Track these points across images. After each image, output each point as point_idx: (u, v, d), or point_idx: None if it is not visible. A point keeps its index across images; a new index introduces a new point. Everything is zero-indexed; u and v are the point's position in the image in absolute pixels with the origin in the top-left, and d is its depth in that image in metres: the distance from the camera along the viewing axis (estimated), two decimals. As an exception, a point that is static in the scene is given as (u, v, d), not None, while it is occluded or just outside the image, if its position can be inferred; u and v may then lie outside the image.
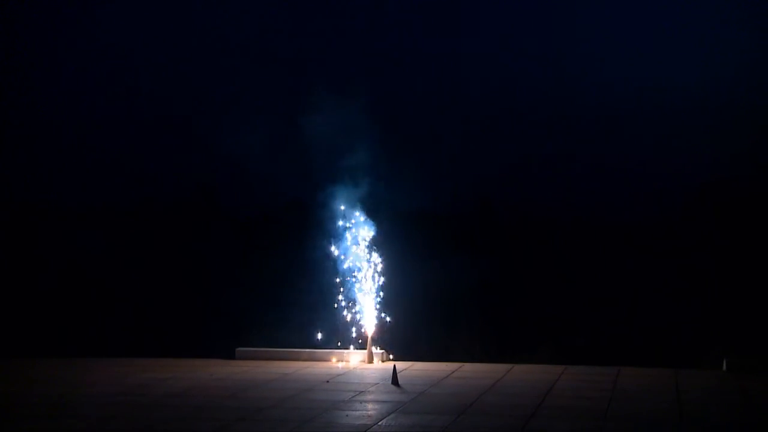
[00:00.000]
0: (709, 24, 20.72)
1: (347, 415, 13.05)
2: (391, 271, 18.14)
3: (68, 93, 21.13)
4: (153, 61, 21.07)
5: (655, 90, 20.71)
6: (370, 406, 13.82)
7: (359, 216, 18.00)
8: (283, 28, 20.28)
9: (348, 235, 18.03)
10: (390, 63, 21.19)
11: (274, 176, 18.28)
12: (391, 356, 17.88)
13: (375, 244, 18.12)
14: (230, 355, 18.23)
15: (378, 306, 18.01)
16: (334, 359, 17.85)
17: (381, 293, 18.01)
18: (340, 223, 18.08)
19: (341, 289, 18.07)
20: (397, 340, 18.17)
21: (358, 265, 18.02)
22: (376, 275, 18.02)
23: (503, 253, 19.75)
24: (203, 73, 21.01)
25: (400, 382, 15.41)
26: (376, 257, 18.05)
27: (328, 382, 15.70)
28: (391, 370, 15.66)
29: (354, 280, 17.99)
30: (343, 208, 18.00)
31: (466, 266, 18.98)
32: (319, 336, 18.11)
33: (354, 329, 18.09)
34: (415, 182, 19.22)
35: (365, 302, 17.90)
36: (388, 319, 17.99)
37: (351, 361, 17.85)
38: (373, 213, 18.17)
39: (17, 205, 20.55)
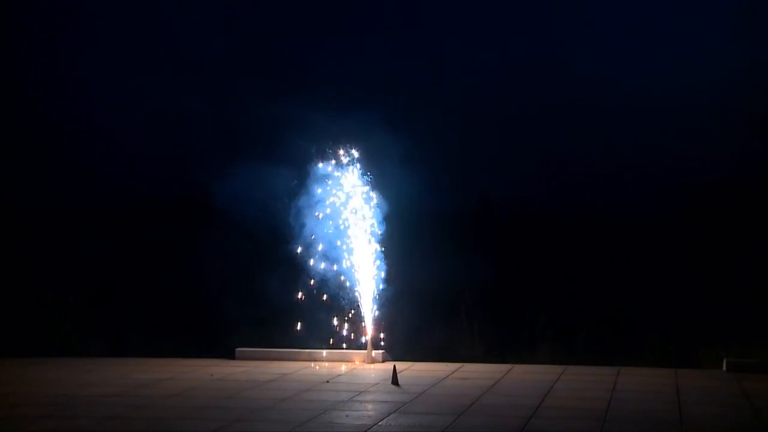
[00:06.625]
0: (710, 24, 20.74)
1: (347, 415, 13.05)
2: (390, 270, 18.11)
3: (67, 93, 21.15)
4: (153, 61, 21.09)
5: (656, 89, 20.73)
6: (370, 406, 13.82)
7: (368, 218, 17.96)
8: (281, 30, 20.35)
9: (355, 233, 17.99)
10: (390, 62, 21.20)
11: (276, 178, 18.27)
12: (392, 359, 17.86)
13: (378, 243, 18.09)
14: (230, 355, 18.21)
15: (377, 306, 17.98)
16: (329, 361, 17.83)
17: (380, 293, 17.97)
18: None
19: (343, 289, 18.05)
20: (397, 340, 18.15)
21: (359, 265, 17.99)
22: (375, 275, 17.98)
23: (503, 253, 19.75)
24: (202, 73, 21.02)
25: (400, 382, 15.39)
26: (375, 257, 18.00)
27: (328, 382, 15.69)
28: (391, 370, 15.65)
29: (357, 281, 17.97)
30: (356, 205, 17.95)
31: (466, 266, 18.96)
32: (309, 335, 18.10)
33: (353, 329, 18.08)
34: (415, 181, 19.22)
35: (365, 302, 17.87)
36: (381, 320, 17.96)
37: (350, 361, 17.83)
38: (374, 213, 18.14)
39: (15, 205, 20.55)
